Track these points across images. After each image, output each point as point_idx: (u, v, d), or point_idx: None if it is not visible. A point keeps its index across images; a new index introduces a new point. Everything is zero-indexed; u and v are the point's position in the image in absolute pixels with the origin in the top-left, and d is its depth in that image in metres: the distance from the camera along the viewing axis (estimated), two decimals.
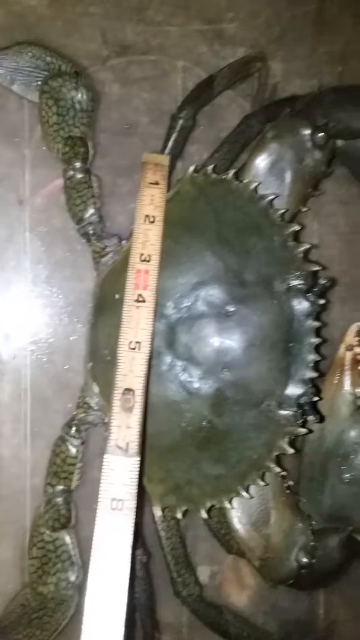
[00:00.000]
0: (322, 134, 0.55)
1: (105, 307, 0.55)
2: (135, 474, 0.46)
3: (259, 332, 0.52)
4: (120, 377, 0.48)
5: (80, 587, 0.57)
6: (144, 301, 0.50)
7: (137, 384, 0.48)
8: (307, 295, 0.53)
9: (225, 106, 0.63)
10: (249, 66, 0.62)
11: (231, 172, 0.55)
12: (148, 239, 0.52)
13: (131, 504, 0.45)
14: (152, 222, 0.52)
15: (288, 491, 0.57)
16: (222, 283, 0.53)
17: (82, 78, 0.59)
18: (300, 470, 0.59)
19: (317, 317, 0.54)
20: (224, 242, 0.53)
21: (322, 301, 0.53)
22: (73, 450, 0.58)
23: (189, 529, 0.61)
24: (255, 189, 0.54)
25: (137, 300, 0.50)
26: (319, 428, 0.57)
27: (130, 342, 0.49)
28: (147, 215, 0.52)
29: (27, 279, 0.62)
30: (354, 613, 0.64)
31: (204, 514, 0.53)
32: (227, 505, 0.53)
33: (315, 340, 0.53)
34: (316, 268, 0.53)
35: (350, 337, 0.59)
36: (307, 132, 0.55)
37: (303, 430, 0.53)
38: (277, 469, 0.53)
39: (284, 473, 0.55)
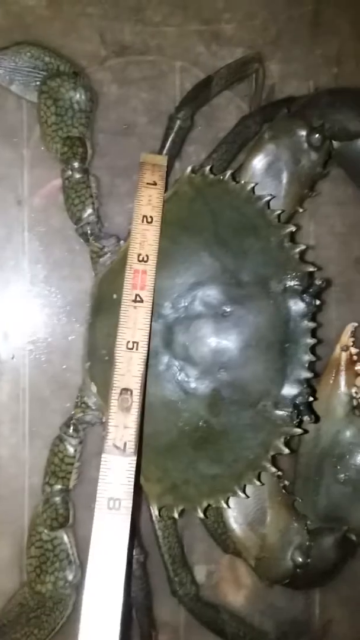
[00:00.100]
0: (318, 135, 0.55)
1: (103, 307, 0.56)
2: (132, 473, 0.46)
3: (256, 332, 0.52)
4: (117, 377, 0.48)
5: (78, 586, 0.57)
6: (141, 301, 0.50)
7: (135, 383, 0.48)
8: (303, 296, 0.53)
9: (222, 107, 0.63)
10: (246, 67, 0.62)
11: (228, 173, 0.55)
12: (146, 239, 0.52)
13: (128, 503, 0.45)
14: (150, 222, 0.52)
15: (284, 491, 0.57)
16: (219, 283, 0.53)
17: (81, 78, 0.59)
18: (296, 470, 0.60)
19: (313, 318, 0.54)
20: (221, 242, 0.53)
21: (317, 302, 0.53)
22: (71, 449, 0.58)
23: (185, 528, 0.61)
24: (252, 189, 0.54)
25: (135, 301, 0.50)
26: (315, 428, 0.57)
27: (128, 342, 0.49)
28: (144, 216, 0.52)
29: (26, 278, 0.62)
30: (349, 612, 0.65)
31: (200, 514, 0.53)
32: (223, 504, 0.53)
33: (311, 341, 0.53)
34: (312, 269, 0.53)
35: (345, 338, 0.60)
36: (303, 133, 0.55)
37: (299, 431, 0.53)
38: (273, 469, 0.53)
39: (279, 473, 0.55)
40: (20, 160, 0.62)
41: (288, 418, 0.52)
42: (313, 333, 0.54)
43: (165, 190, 0.55)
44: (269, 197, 0.54)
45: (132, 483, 0.46)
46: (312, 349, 0.54)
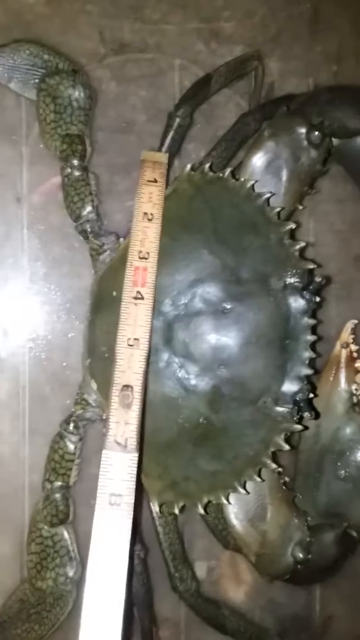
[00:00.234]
0: (318, 132, 0.55)
1: (103, 304, 0.56)
2: (133, 469, 0.46)
3: (256, 329, 0.52)
4: (118, 374, 0.48)
5: (78, 583, 0.57)
6: (142, 298, 0.50)
7: (136, 380, 0.48)
8: (303, 293, 0.53)
9: (222, 104, 0.63)
10: (245, 65, 0.62)
11: (228, 171, 0.55)
12: (146, 237, 0.52)
13: (129, 499, 0.45)
14: (151, 219, 0.52)
15: (284, 487, 0.57)
16: (219, 280, 0.53)
17: (80, 76, 0.59)
18: (296, 467, 0.60)
19: (313, 315, 0.54)
20: (221, 240, 0.54)
21: (317, 299, 0.54)
22: (71, 446, 0.58)
23: (186, 524, 0.62)
24: (252, 187, 0.54)
25: (136, 298, 0.50)
26: (315, 425, 0.58)
27: (129, 339, 0.49)
28: (145, 213, 0.52)
29: (25, 276, 0.62)
30: (349, 608, 0.65)
31: (201, 510, 0.54)
32: (224, 501, 0.53)
33: (311, 338, 0.53)
34: (312, 266, 0.54)
35: (345, 335, 0.60)
36: (303, 130, 0.55)
37: (299, 427, 0.53)
38: (273, 465, 0.53)
39: (280, 469, 0.55)
40: (19, 157, 0.62)
41: (288, 414, 0.52)
42: (313, 330, 0.54)
43: (165, 187, 0.55)
44: (268, 195, 0.54)
45: (134, 479, 0.46)
46: (312, 346, 0.54)
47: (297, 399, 0.53)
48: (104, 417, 0.52)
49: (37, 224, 0.62)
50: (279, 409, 0.52)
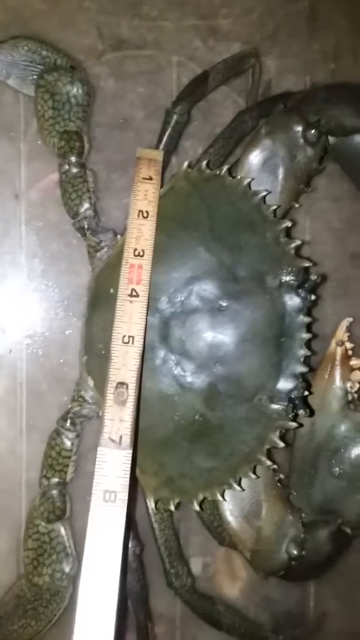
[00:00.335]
0: (314, 130, 0.55)
1: (100, 301, 0.56)
2: (127, 466, 0.46)
3: (251, 327, 0.53)
4: (113, 371, 0.48)
5: (74, 578, 0.58)
6: (137, 296, 0.50)
7: (131, 377, 0.48)
8: (299, 291, 0.53)
9: (219, 102, 0.63)
10: (243, 62, 0.62)
11: (225, 168, 0.55)
12: (142, 234, 0.52)
13: (124, 495, 0.46)
14: (146, 217, 0.52)
15: (279, 484, 0.58)
16: (215, 278, 0.53)
17: (78, 72, 0.59)
18: (291, 464, 0.60)
19: (309, 313, 0.54)
20: (217, 237, 0.54)
21: (313, 297, 0.54)
22: (68, 443, 0.58)
23: (181, 520, 0.62)
24: (249, 185, 0.55)
25: (131, 295, 0.50)
26: (310, 422, 0.58)
27: (124, 336, 0.49)
28: (140, 211, 0.53)
29: (23, 273, 0.62)
30: (344, 605, 0.65)
31: (196, 507, 0.54)
32: (219, 497, 0.54)
33: (306, 336, 0.53)
34: (307, 264, 0.54)
35: (341, 333, 0.60)
36: (299, 128, 0.55)
37: (294, 424, 0.53)
38: (269, 462, 0.53)
39: (275, 466, 0.55)
40: (18, 154, 0.62)
41: (283, 412, 0.53)
42: (308, 328, 0.54)
43: (162, 185, 0.55)
44: (265, 193, 0.55)
45: (128, 476, 0.46)
46: (308, 344, 0.54)
47: (292, 396, 0.53)
48: (101, 414, 0.52)
49: (35, 220, 0.62)
50: (274, 406, 0.53)
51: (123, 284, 0.50)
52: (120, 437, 0.47)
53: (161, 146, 0.59)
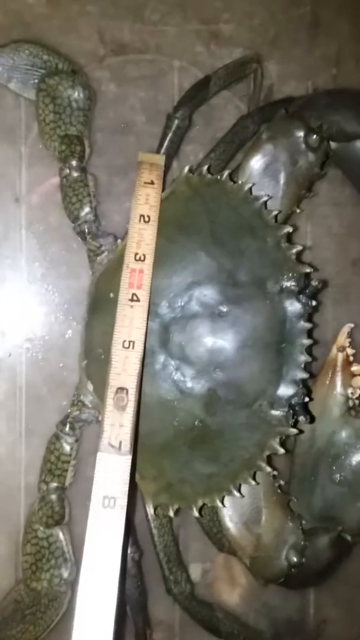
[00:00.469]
0: (316, 136, 0.55)
1: (100, 305, 0.56)
2: (127, 472, 0.46)
3: (252, 332, 0.52)
4: (113, 376, 0.48)
5: (73, 584, 0.57)
6: (138, 300, 0.50)
7: (131, 382, 0.48)
8: (299, 296, 0.53)
9: (221, 106, 0.63)
10: (244, 67, 0.62)
11: (226, 173, 0.55)
12: (143, 239, 0.52)
13: (123, 501, 0.45)
14: (147, 221, 0.52)
15: (279, 491, 0.57)
16: (215, 283, 0.53)
17: (79, 76, 0.59)
18: (291, 470, 0.60)
19: (309, 319, 0.54)
20: (218, 242, 0.54)
21: (314, 303, 0.54)
22: (67, 447, 0.58)
23: (181, 527, 0.62)
24: (250, 190, 0.54)
25: (131, 300, 0.50)
26: (311, 429, 0.57)
27: (124, 341, 0.49)
28: (142, 215, 0.53)
29: (23, 276, 0.62)
30: (344, 612, 0.65)
31: (196, 513, 0.53)
32: (218, 504, 0.53)
33: (307, 342, 0.53)
34: (308, 270, 0.54)
35: (342, 339, 0.60)
36: (301, 134, 0.55)
37: (294, 431, 0.53)
38: (269, 469, 0.53)
39: (275, 473, 0.55)
40: (18, 157, 0.62)
41: (283, 418, 0.52)
42: (309, 334, 0.54)
43: (163, 189, 0.55)
44: (266, 198, 0.55)
45: (127, 481, 0.46)
46: (308, 350, 0.54)
47: (293, 402, 0.53)
48: (100, 419, 0.52)
49: (36, 224, 0.62)
50: (275, 412, 0.53)
51: (124, 289, 0.50)
52: (120, 442, 0.47)
53: (162, 151, 0.59)
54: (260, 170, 0.56)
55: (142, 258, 0.51)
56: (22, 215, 0.62)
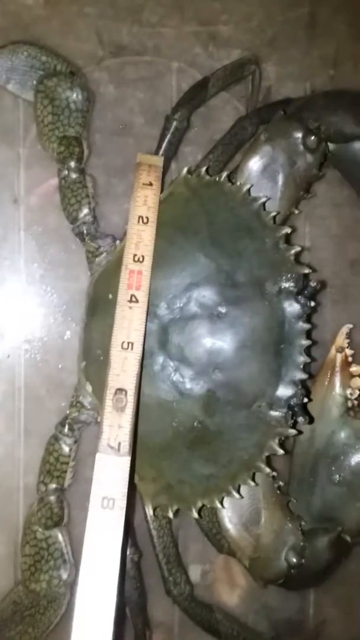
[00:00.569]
0: (314, 137, 0.55)
1: (99, 307, 0.56)
2: (126, 473, 0.46)
3: (251, 333, 0.52)
4: (112, 377, 0.48)
5: (72, 585, 0.57)
6: (136, 301, 0.50)
7: (129, 384, 0.48)
8: (298, 297, 0.53)
9: (219, 108, 0.63)
10: (243, 69, 0.62)
11: (224, 174, 0.55)
12: (141, 240, 0.52)
13: (122, 503, 0.45)
14: (146, 223, 0.52)
15: (278, 492, 0.57)
16: (214, 284, 0.53)
17: (78, 78, 0.59)
18: (290, 471, 0.60)
19: (308, 319, 0.54)
20: (217, 243, 0.54)
21: (312, 303, 0.54)
22: (66, 449, 0.58)
23: (180, 528, 0.62)
24: (248, 191, 0.55)
25: (130, 301, 0.50)
26: (310, 429, 0.58)
27: (123, 342, 0.49)
28: (140, 216, 0.53)
29: (22, 278, 0.62)
30: (343, 613, 0.65)
31: (195, 514, 0.53)
32: (218, 505, 0.53)
33: (305, 342, 0.53)
34: (307, 271, 0.54)
35: (341, 339, 0.60)
36: (299, 135, 0.55)
37: (293, 432, 0.53)
38: (268, 470, 0.53)
39: (274, 473, 0.55)
40: (17, 159, 0.62)
41: (282, 419, 0.52)
42: (308, 334, 0.54)
43: (161, 190, 0.55)
44: (264, 199, 0.55)
45: (126, 483, 0.46)
46: (307, 350, 0.54)
47: (292, 403, 0.53)
48: (99, 420, 0.52)
49: (34, 225, 0.62)
50: (274, 413, 0.53)
51: (122, 290, 0.50)
52: (119, 443, 0.47)
53: (161, 152, 0.59)
54: (258, 172, 0.56)
55: (140, 259, 0.51)
56: (20, 217, 0.62)
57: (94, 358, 0.55)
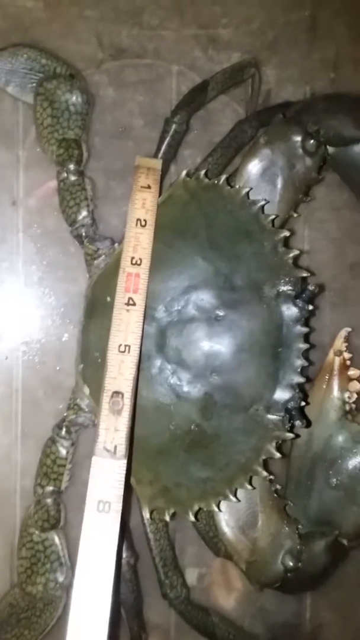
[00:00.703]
0: (313, 140, 0.55)
1: (97, 309, 0.56)
2: (122, 476, 0.46)
3: (248, 336, 0.52)
4: (109, 380, 0.48)
5: (68, 588, 0.57)
6: (134, 304, 0.50)
7: (126, 387, 0.48)
8: (296, 301, 0.53)
9: (219, 111, 0.63)
10: (242, 72, 0.62)
11: (223, 177, 0.55)
12: (139, 243, 0.52)
13: (118, 506, 0.45)
14: (144, 225, 0.52)
15: (275, 495, 0.57)
16: (212, 287, 0.53)
17: (77, 81, 0.59)
18: (288, 475, 0.60)
19: (306, 323, 0.54)
20: (215, 246, 0.53)
21: (310, 307, 0.54)
22: (63, 451, 0.58)
23: (177, 531, 0.62)
24: (247, 194, 0.54)
25: (128, 304, 0.50)
26: (307, 433, 0.57)
27: (120, 345, 0.49)
28: (138, 219, 0.52)
29: (20, 280, 0.62)
30: (340, 616, 0.65)
31: (192, 517, 0.53)
32: (214, 508, 0.53)
33: (303, 346, 0.53)
34: (305, 274, 0.53)
35: (339, 343, 0.60)
36: (298, 138, 0.55)
37: (290, 435, 0.53)
38: (265, 473, 0.53)
39: (271, 477, 0.55)
40: (16, 161, 0.62)
41: (280, 422, 0.52)
42: (306, 338, 0.54)
43: (160, 193, 0.55)
44: (263, 202, 0.55)
45: (122, 486, 0.46)
46: (305, 354, 0.54)
47: (289, 406, 0.53)
48: (96, 423, 0.52)
49: (33, 227, 0.62)
50: (271, 416, 0.52)
51: (120, 293, 0.50)
52: (115, 446, 0.46)
53: (160, 155, 0.59)
54: (257, 175, 0.56)
55: (138, 262, 0.51)
56: (19, 219, 0.62)
57: (91, 360, 0.55)
